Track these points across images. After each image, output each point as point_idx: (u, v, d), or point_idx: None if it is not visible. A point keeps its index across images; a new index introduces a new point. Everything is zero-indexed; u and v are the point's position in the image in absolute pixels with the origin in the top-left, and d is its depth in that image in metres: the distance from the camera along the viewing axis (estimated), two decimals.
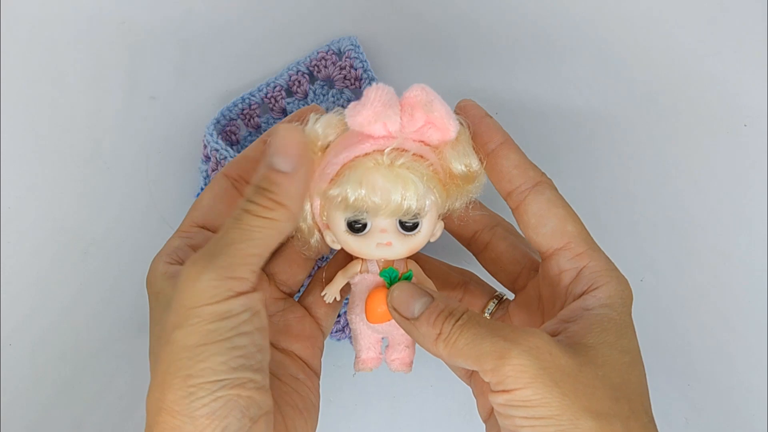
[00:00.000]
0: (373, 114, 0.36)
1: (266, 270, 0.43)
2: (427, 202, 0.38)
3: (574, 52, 0.57)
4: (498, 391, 0.35)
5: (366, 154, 0.38)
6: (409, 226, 0.39)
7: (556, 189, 0.40)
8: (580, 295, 0.39)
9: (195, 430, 0.33)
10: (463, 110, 0.40)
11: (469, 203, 0.41)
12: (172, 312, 0.34)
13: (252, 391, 0.34)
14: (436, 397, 0.50)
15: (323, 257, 0.48)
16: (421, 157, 0.38)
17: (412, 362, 0.43)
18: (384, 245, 0.39)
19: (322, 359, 0.44)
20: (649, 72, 0.57)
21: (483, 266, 0.46)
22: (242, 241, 0.34)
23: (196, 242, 0.39)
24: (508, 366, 0.34)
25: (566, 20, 0.57)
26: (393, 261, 0.41)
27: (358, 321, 0.42)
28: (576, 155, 0.57)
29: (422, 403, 0.54)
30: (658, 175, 0.57)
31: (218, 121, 0.52)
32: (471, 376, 0.44)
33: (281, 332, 0.43)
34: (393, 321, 0.40)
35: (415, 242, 0.40)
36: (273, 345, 0.42)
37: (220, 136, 0.51)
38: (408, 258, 0.41)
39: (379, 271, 0.41)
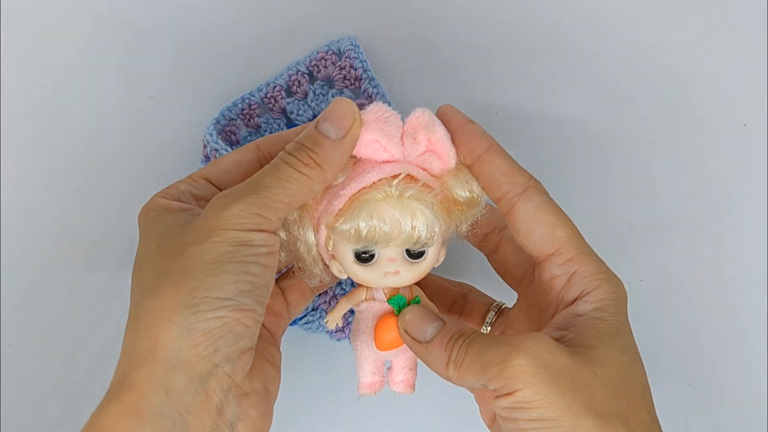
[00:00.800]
0: (364, 122, 0.38)
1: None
2: (436, 231, 0.39)
3: (574, 54, 0.57)
4: (502, 396, 0.35)
5: (373, 183, 0.38)
6: (415, 255, 0.40)
7: (545, 193, 0.40)
8: (573, 302, 0.39)
9: (189, 344, 0.34)
10: (443, 116, 0.40)
11: (475, 224, 0.41)
12: (192, 232, 0.36)
13: (250, 321, 0.35)
14: (436, 397, 0.50)
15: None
16: (429, 187, 0.39)
17: (414, 383, 0.44)
18: (392, 274, 0.40)
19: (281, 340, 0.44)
20: (649, 72, 0.57)
21: (492, 267, 0.46)
22: (276, 187, 0.36)
23: (202, 194, 0.40)
24: (509, 368, 0.34)
25: (566, 21, 0.57)
26: (399, 288, 0.41)
27: (364, 347, 0.42)
28: (576, 156, 0.57)
29: (422, 403, 0.54)
30: (657, 174, 0.57)
31: (218, 121, 0.52)
32: None
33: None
34: (401, 348, 0.41)
35: (421, 269, 0.40)
36: None
37: (219, 136, 0.51)
38: (412, 284, 0.42)
39: (385, 299, 0.41)
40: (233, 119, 0.53)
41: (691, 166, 0.57)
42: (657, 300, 0.56)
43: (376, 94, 0.52)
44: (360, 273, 0.40)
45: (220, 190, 0.40)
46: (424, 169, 0.39)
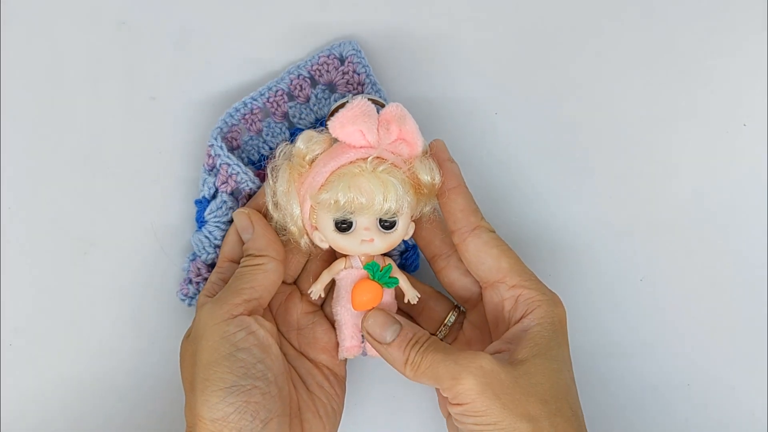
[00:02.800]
0: (351, 117, 0.44)
1: (298, 287, 0.51)
2: (404, 203, 0.45)
3: (575, 52, 0.57)
4: (454, 404, 0.44)
5: (351, 162, 0.45)
6: (387, 225, 0.46)
7: (492, 232, 0.48)
8: (519, 319, 0.46)
9: (215, 429, 0.43)
10: (431, 149, 0.48)
11: (436, 210, 0.49)
12: (193, 340, 0.45)
13: (258, 397, 0.43)
14: (435, 397, 0.51)
15: None
16: (397, 166, 0.45)
17: None
18: (367, 241, 0.46)
19: (346, 366, 0.51)
20: (649, 71, 0.57)
21: (442, 286, 0.51)
22: (234, 282, 0.46)
23: (228, 275, 0.48)
24: (459, 386, 0.43)
25: (565, 22, 0.57)
26: (373, 257, 0.48)
27: (343, 312, 0.49)
28: (576, 156, 0.57)
29: (422, 403, 0.54)
30: (657, 174, 0.57)
31: (221, 129, 0.52)
32: None
33: (310, 345, 0.50)
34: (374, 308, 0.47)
35: (393, 239, 0.47)
36: (304, 355, 0.50)
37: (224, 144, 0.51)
38: (385, 256, 0.49)
39: (361, 266, 0.48)
40: (235, 124, 0.52)
41: (690, 166, 0.57)
42: (656, 299, 0.56)
43: (379, 99, 0.52)
44: (339, 240, 0.46)
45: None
46: (397, 154, 0.46)
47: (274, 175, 0.47)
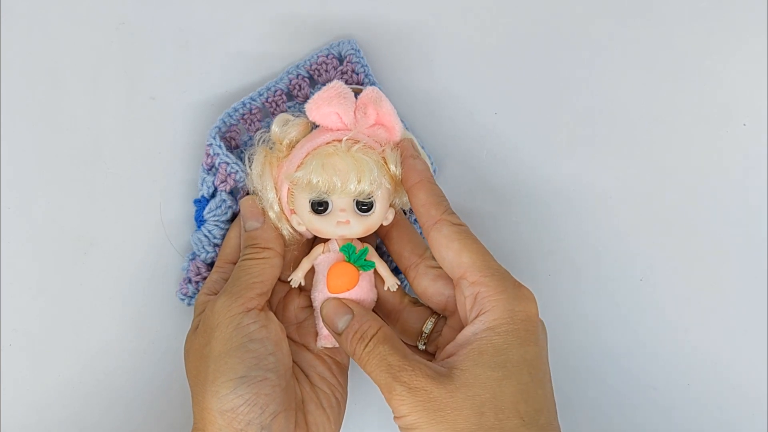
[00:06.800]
0: (326, 98, 0.45)
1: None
2: (379, 182, 0.45)
3: (574, 52, 0.57)
4: (395, 416, 0.43)
5: (326, 143, 0.45)
6: (365, 208, 0.46)
7: (457, 225, 0.45)
8: (473, 320, 0.44)
9: (224, 423, 0.43)
10: (400, 146, 0.47)
11: (405, 220, 0.49)
12: (203, 334, 0.45)
13: (268, 389, 0.43)
14: None
15: None
16: (372, 147, 0.46)
17: None
18: (343, 223, 0.46)
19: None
20: (649, 71, 0.57)
21: (418, 298, 0.50)
22: (244, 276, 0.46)
23: (228, 275, 0.48)
24: (394, 399, 0.42)
25: (565, 21, 0.57)
26: (352, 240, 0.47)
27: (321, 298, 0.48)
28: (575, 156, 0.57)
29: None
30: (657, 174, 0.57)
31: (219, 128, 0.52)
32: None
33: (310, 336, 0.50)
34: (351, 292, 0.47)
35: (369, 222, 0.46)
36: (305, 347, 0.50)
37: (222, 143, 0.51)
38: (364, 241, 0.48)
39: (338, 248, 0.47)
40: (234, 124, 0.53)
41: (690, 166, 0.57)
42: (656, 299, 0.56)
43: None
44: (315, 222, 0.46)
45: None
46: (375, 138, 0.46)
47: (250, 160, 0.48)
